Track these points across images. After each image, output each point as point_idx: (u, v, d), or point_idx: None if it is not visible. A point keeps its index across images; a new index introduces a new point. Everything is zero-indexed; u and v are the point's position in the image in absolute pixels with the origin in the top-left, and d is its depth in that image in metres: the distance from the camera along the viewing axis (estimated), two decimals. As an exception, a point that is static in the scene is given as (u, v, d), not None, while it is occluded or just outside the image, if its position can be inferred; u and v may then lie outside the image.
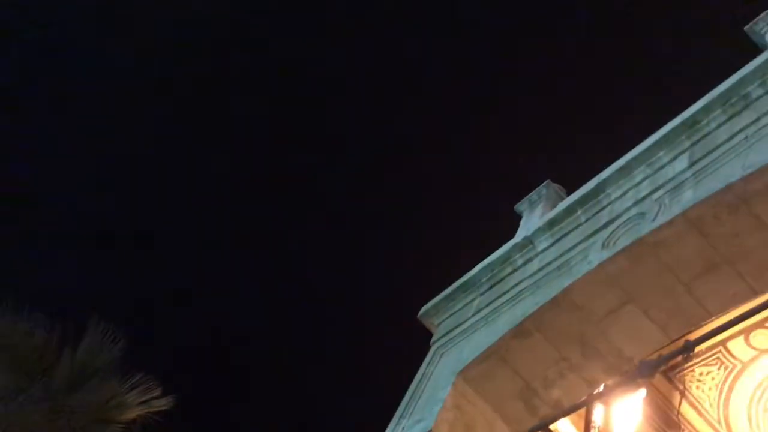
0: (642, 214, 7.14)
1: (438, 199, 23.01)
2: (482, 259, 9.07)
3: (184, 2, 22.86)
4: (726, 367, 8.55)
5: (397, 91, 23.47)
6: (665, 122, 7.72)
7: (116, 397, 14.32)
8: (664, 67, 21.18)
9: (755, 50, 7.78)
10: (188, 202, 23.74)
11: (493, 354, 7.52)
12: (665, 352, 7.08)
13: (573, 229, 8.05)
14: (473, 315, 8.47)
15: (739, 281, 6.62)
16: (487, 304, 8.38)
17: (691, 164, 7.06)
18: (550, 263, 7.91)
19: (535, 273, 8.03)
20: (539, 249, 8.31)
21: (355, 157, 23.83)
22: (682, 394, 8.35)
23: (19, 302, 14.20)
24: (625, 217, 7.37)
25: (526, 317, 7.42)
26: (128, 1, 23.34)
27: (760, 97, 6.90)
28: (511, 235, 9.22)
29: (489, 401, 7.52)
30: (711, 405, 8.75)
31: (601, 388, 7.59)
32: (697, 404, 8.77)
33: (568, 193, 9.16)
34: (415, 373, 8.39)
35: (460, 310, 8.87)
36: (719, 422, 8.81)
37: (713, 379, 8.60)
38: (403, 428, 7.53)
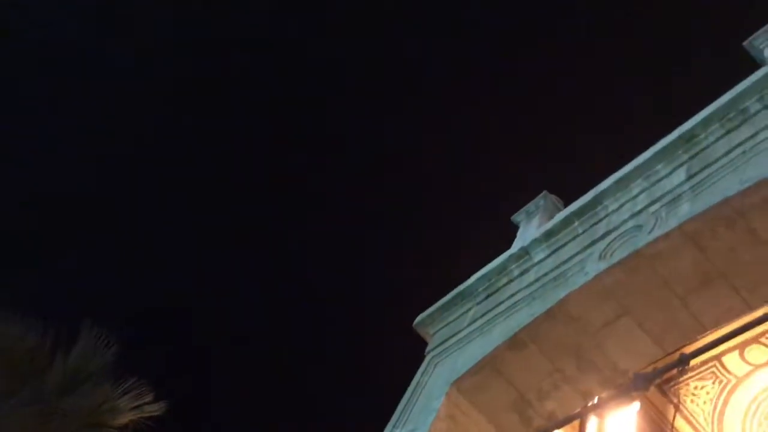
0: (639, 227, 7.14)
1: (438, 200, 23.03)
2: (478, 269, 9.06)
3: (185, 2, 22.89)
4: (721, 382, 8.53)
5: (395, 95, 23.52)
6: (663, 135, 7.74)
7: (109, 401, 14.23)
8: (663, 81, 21.25)
9: (754, 65, 7.81)
10: (188, 203, 23.72)
11: (487, 365, 7.50)
12: (660, 365, 7.06)
13: (570, 241, 8.05)
14: (468, 325, 8.45)
15: (734, 295, 6.61)
16: (483, 315, 8.36)
17: (689, 178, 7.06)
18: (546, 274, 7.90)
19: (531, 284, 8.02)
20: (536, 260, 8.31)
21: (355, 158, 23.85)
22: (676, 408, 8.34)
23: (11, 305, 14.14)
24: (622, 230, 7.37)
25: (522, 328, 7.40)
26: (128, 1, 23.36)
27: (758, 112, 6.91)
28: (508, 246, 9.22)
29: (483, 412, 7.49)
30: (705, 419, 8.73)
31: (596, 400, 7.56)
32: (691, 418, 8.75)
33: (566, 205, 9.16)
34: (414, 373, 8.38)
35: (455, 319, 8.85)
36: (713, 436, 8.79)
37: (708, 393, 8.59)
38: (396, 437, 7.51)
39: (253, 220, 24.21)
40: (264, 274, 23.93)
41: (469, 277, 9.11)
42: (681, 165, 7.35)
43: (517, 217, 10.29)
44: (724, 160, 6.85)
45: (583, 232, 7.98)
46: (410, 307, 9.57)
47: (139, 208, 23.75)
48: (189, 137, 23.90)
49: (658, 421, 8.56)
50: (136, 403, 14.37)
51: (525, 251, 8.46)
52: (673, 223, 6.71)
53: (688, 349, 7.00)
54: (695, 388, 8.58)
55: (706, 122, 7.29)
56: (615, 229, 7.52)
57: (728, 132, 7.07)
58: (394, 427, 7.65)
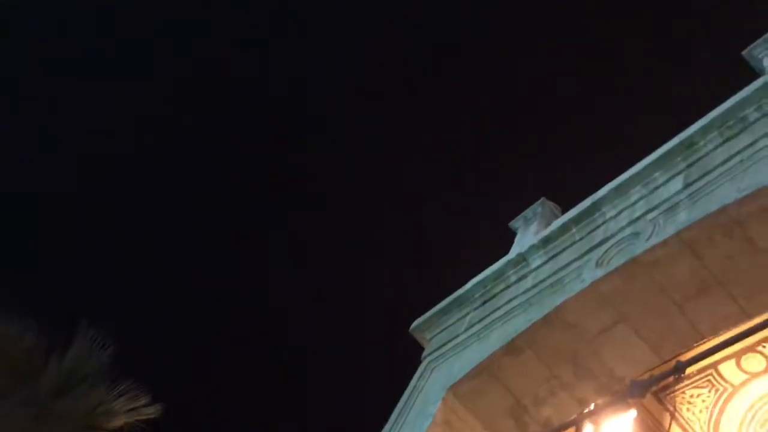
0: (636, 234, 7.15)
1: (436, 205, 23.03)
2: (476, 275, 9.06)
3: (185, 2, 22.92)
4: (717, 390, 8.54)
5: (393, 99, 23.57)
6: (662, 143, 7.75)
7: (104, 403, 14.21)
8: (662, 89, 21.30)
9: (753, 74, 7.83)
10: (187, 203, 23.71)
11: (484, 370, 7.50)
12: (656, 372, 7.06)
13: (567, 247, 8.05)
14: (465, 330, 8.45)
15: (731, 303, 6.62)
16: (480, 320, 8.36)
17: (687, 185, 7.08)
18: (543, 280, 7.90)
19: (528, 290, 8.02)
20: (533, 266, 8.31)
21: (354, 160, 23.86)
22: (672, 415, 8.34)
23: (8, 306, 14.12)
24: (619, 237, 7.38)
25: (518, 334, 7.41)
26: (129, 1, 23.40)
27: (756, 120, 6.93)
28: (506, 252, 9.22)
29: (479, 417, 7.49)
30: (701, 427, 8.73)
31: (592, 407, 7.56)
32: (687, 426, 8.75)
33: (564, 212, 9.17)
34: (411, 377, 8.39)
35: (452, 325, 8.85)
36: (709, 445, 8.79)
37: (704, 401, 8.59)
38: (392, 442, 7.51)
39: (252, 220, 24.24)
40: (262, 275, 23.95)
41: (466, 282, 9.12)
42: (679, 173, 7.36)
43: (515, 223, 10.29)
44: (722, 168, 6.86)
45: (581, 238, 7.99)
46: (410, 311, 9.59)
47: (137, 209, 23.75)
48: (189, 137, 23.93)
49: (654, 429, 8.56)
50: (131, 406, 14.35)
51: (522, 257, 8.47)
52: (670, 230, 6.72)
53: (685, 357, 7.00)
54: (691, 396, 8.58)
55: (704, 130, 7.31)
56: (612, 236, 7.52)
57: (726, 140, 7.09)
58: (390, 431, 7.65)
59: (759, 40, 8.11)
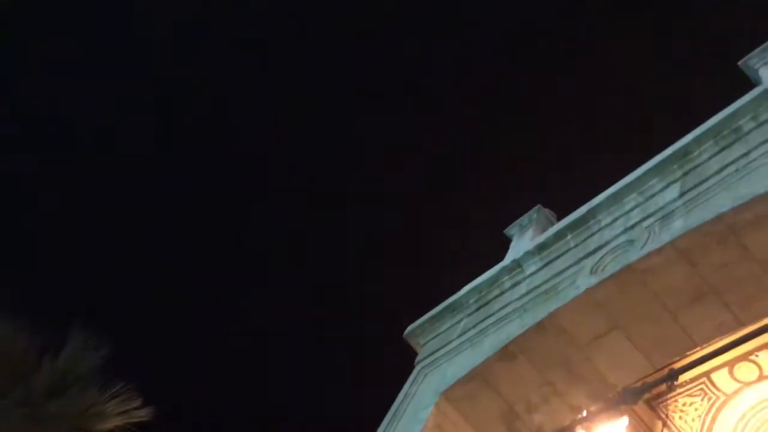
0: (631, 242, 7.17)
1: (432, 212, 23.08)
2: (470, 281, 9.07)
3: (185, 2, 22.93)
4: (709, 399, 8.55)
5: (391, 102, 23.62)
6: (658, 151, 7.78)
7: (96, 405, 14.17)
8: (659, 98, 21.38)
9: (749, 84, 7.86)
10: (185, 204, 23.70)
11: (477, 376, 7.50)
12: (650, 380, 7.07)
13: (562, 254, 8.07)
14: (459, 336, 8.45)
15: (725, 312, 6.63)
16: (473, 326, 8.36)
17: (682, 194, 7.10)
18: (537, 287, 7.91)
19: (522, 296, 8.03)
20: (527, 272, 8.32)
21: (353, 161, 23.90)
22: (664, 423, 8.34)
23: (1, 307, 14.07)
24: (614, 244, 7.40)
25: (512, 340, 7.40)
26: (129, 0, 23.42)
27: (751, 130, 6.97)
28: (500, 259, 9.22)
29: (471, 423, 7.48)
30: (693, 436, 8.74)
31: (584, 414, 7.56)
32: (679, 434, 8.76)
33: (559, 219, 9.18)
34: (404, 383, 8.38)
35: (445, 331, 8.85)
36: (701, 453, 8.79)
37: (696, 409, 8.60)
38: (384, 447, 7.49)
39: (250, 220, 24.25)
40: (259, 276, 23.94)
41: (460, 288, 9.12)
42: (675, 181, 7.39)
43: (510, 230, 10.29)
44: (717, 177, 6.89)
45: (576, 245, 8.00)
46: (405, 315, 9.59)
47: (135, 209, 23.73)
48: (188, 137, 23.93)
49: (646, 436, 8.57)
50: (123, 408, 14.31)
51: (517, 264, 8.48)
52: (665, 238, 6.73)
53: (678, 365, 7.02)
54: (684, 404, 8.59)
55: (700, 139, 7.34)
56: (607, 243, 7.54)
57: (722, 150, 7.12)
58: (382, 436, 7.65)
59: (756, 51, 8.15)
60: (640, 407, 8.36)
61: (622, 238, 7.37)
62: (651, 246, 6.78)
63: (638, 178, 7.73)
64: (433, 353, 8.61)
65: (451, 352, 8.32)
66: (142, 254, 23.62)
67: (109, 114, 23.22)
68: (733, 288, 6.53)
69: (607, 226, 7.79)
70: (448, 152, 23.52)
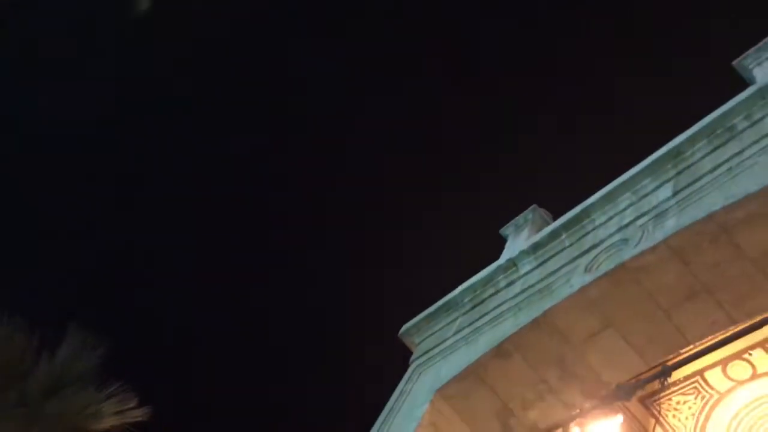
0: (625, 240, 7.21)
1: (428, 212, 23.09)
2: (465, 281, 9.10)
3: (185, 2, 22.96)
4: (703, 397, 8.58)
5: (390, 101, 23.65)
6: (652, 151, 7.82)
7: (92, 405, 14.16)
8: (653, 98, 21.44)
9: (743, 83, 7.91)
10: (183, 205, 23.72)
11: (471, 373, 7.53)
12: (643, 378, 7.11)
13: (557, 253, 8.11)
14: (454, 335, 8.49)
15: (718, 310, 6.67)
16: (468, 325, 8.40)
17: (675, 193, 7.14)
18: (532, 286, 7.95)
19: (517, 295, 8.06)
20: (522, 271, 8.36)
21: (353, 162, 23.93)
22: (657, 421, 8.38)
23: (-2, 306, 14.08)
24: (608, 243, 7.44)
25: (507, 338, 7.44)
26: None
27: (744, 129, 7.01)
28: (496, 259, 9.26)
29: (466, 420, 7.52)
30: (687, 434, 8.77)
31: (578, 411, 7.59)
32: (673, 433, 8.79)
33: (555, 219, 9.22)
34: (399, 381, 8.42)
35: (440, 329, 8.89)
36: (695, 452, 8.81)
37: (690, 408, 8.63)
38: (379, 444, 7.52)
39: (249, 220, 24.28)
40: (257, 276, 23.96)
41: (455, 287, 9.16)
42: (668, 180, 7.44)
43: (506, 230, 10.34)
44: (711, 176, 6.93)
45: (571, 244, 8.04)
46: (401, 314, 9.62)
47: (133, 210, 23.75)
48: (187, 138, 23.95)
49: (640, 435, 8.60)
50: (119, 408, 14.31)
51: (512, 263, 8.52)
52: (659, 237, 6.77)
53: (671, 363, 7.05)
54: (678, 402, 8.62)
55: (693, 139, 7.39)
56: (602, 242, 7.58)
57: (715, 149, 7.16)
58: (377, 433, 7.68)
59: (749, 51, 8.20)
60: (634, 406, 8.40)
61: (616, 237, 7.41)
62: (644, 245, 6.81)
63: (632, 178, 7.78)
64: (428, 351, 8.65)
65: (446, 350, 8.35)
66: (139, 254, 23.63)
67: (108, 113, 23.24)
68: (725, 286, 6.57)
69: (601, 225, 7.84)
70: (445, 152, 23.58)
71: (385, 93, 23.71)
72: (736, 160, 6.80)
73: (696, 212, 6.64)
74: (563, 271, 7.74)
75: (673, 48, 21.19)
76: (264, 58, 24.28)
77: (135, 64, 23.54)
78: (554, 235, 8.33)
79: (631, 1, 22.37)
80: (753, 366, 8.29)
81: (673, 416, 8.65)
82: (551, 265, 8.02)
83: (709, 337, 6.89)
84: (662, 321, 6.88)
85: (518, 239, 9.65)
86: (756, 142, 6.80)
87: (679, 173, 7.36)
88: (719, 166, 6.92)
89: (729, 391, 8.49)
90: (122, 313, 21.80)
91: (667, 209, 7.09)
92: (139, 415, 14.43)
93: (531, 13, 23.02)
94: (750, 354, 8.12)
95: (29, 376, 13.94)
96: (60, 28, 22.24)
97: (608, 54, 22.02)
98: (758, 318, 6.63)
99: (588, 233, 7.92)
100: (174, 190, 23.91)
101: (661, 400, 8.50)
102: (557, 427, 7.41)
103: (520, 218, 10.24)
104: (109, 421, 14.29)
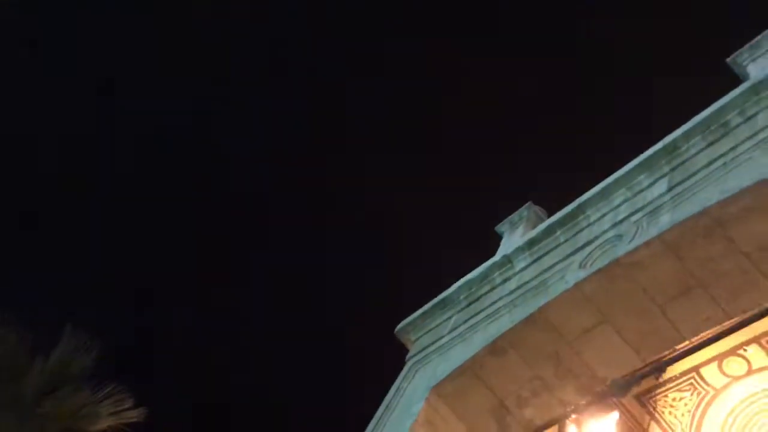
0: (619, 236, 7.21)
1: (424, 210, 23.12)
2: (460, 278, 9.09)
3: (185, 2, 22.96)
4: (699, 393, 8.56)
5: (387, 101, 23.65)
6: (646, 147, 7.82)
7: (87, 406, 14.15)
8: (647, 94, 21.48)
9: (737, 80, 7.91)
10: (181, 205, 23.69)
11: (467, 370, 7.53)
12: (638, 374, 7.10)
13: (552, 250, 8.10)
14: (449, 332, 8.48)
15: (712, 305, 6.67)
16: (464, 322, 8.39)
17: (670, 188, 7.14)
18: (527, 282, 7.95)
19: (512, 292, 8.06)
20: (517, 268, 8.36)
21: (351, 163, 23.94)
22: (653, 417, 8.37)
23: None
24: (602, 239, 7.43)
25: (501, 335, 7.44)
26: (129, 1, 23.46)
27: (738, 125, 7.01)
28: (491, 256, 9.25)
29: (462, 418, 7.52)
30: (683, 431, 8.75)
31: (574, 407, 7.58)
32: (669, 430, 8.77)
33: (550, 216, 9.21)
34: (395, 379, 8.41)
35: (436, 327, 8.88)
36: (691, 448, 8.81)
37: (686, 404, 8.61)
38: (374, 442, 7.51)
39: (248, 220, 24.28)
40: (255, 276, 23.97)
41: (450, 285, 9.15)
42: (663, 176, 7.43)
43: (501, 227, 10.33)
44: (705, 171, 6.93)
45: (565, 241, 8.04)
46: (398, 311, 9.61)
47: (131, 210, 23.72)
48: (186, 139, 23.95)
49: (636, 431, 8.58)
50: (115, 409, 14.29)
51: (507, 259, 8.52)
52: (653, 232, 6.77)
53: (667, 359, 7.05)
54: (674, 399, 8.60)
55: (688, 134, 7.38)
56: (596, 238, 7.58)
57: (710, 144, 7.16)
58: (372, 431, 7.66)
59: (743, 48, 8.19)
60: (630, 402, 8.39)
61: (611, 233, 7.41)
62: (639, 240, 6.81)
63: (627, 174, 7.78)
64: (424, 349, 8.65)
65: (442, 347, 8.35)
66: (136, 254, 23.61)
67: (107, 113, 23.24)
68: (720, 281, 6.57)
69: (596, 221, 7.83)
70: (441, 150, 23.59)
71: (385, 93, 23.73)
72: (731, 155, 6.80)
73: (690, 207, 6.64)
74: (558, 267, 7.74)
75: (667, 45, 21.23)
76: (264, 58, 24.28)
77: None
78: (549, 231, 8.33)
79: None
80: (748, 362, 8.27)
81: (669, 413, 8.64)
82: (546, 262, 8.01)
83: (704, 333, 6.89)
84: (657, 316, 6.89)
85: (513, 236, 9.65)
86: (750, 137, 6.80)
87: (673, 169, 7.35)
88: (714, 161, 6.92)
89: (725, 387, 8.47)
90: (118, 314, 21.78)
91: (661, 205, 7.08)
92: (134, 415, 14.42)
93: (531, 11, 23.06)
94: (745, 350, 8.11)
95: (25, 377, 13.92)
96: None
97: (603, 51, 22.06)
98: (753, 313, 6.63)
99: (582, 229, 7.92)
100: (174, 190, 23.91)
101: (657, 397, 8.48)
102: (553, 423, 7.41)
103: (515, 215, 10.23)
104: (105, 422, 14.29)
